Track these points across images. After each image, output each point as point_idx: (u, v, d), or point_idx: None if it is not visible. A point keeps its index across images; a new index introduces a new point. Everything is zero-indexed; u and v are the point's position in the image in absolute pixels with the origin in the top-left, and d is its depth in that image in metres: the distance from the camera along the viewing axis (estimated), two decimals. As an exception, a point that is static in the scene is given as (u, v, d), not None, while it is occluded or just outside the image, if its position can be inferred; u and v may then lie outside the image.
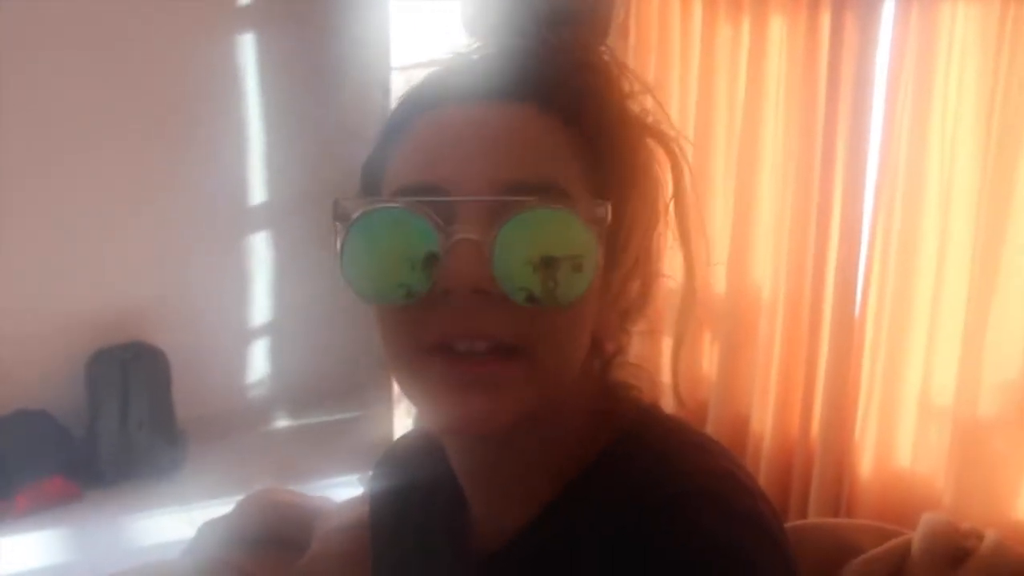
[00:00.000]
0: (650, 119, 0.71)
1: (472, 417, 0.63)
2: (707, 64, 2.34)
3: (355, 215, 0.63)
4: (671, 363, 0.73)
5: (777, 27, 2.17)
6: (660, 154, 0.71)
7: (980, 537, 0.99)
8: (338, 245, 0.63)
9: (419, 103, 0.68)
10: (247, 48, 3.42)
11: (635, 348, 0.76)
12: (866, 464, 2.03)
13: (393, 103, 0.71)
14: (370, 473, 0.90)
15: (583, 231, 0.61)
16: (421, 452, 0.82)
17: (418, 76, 0.71)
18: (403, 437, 0.90)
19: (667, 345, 0.73)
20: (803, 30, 2.07)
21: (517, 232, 0.60)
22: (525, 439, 0.68)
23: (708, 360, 2.46)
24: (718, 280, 2.36)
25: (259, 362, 3.66)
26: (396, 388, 3.04)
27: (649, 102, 0.71)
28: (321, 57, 3.40)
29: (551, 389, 0.65)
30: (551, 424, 0.69)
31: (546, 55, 0.67)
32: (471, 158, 0.63)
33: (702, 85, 2.36)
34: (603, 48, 0.70)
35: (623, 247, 0.68)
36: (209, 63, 3.37)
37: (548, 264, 0.60)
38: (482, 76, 0.67)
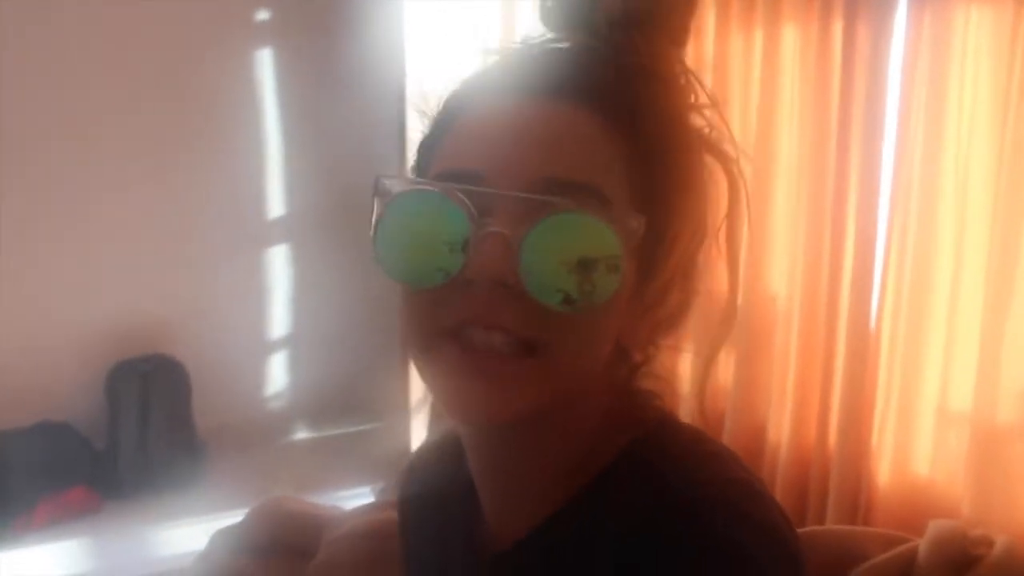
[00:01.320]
0: (711, 134, 0.71)
1: (477, 406, 0.64)
2: (720, 74, 2.34)
3: (393, 193, 0.64)
4: (699, 379, 0.73)
5: (790, 36, 2.17)
6: (716, 171, 0.71)
7: (990, 544, 0.98)
8: (373, 221, 0.65)
9: (476, 91, 0.69)
10: (265, 62, 3.46)
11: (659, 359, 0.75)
12: (884, 472, 2.01)
13: (456, 85, 0.71)
14: (399, 476, 0.91)
15: (613, 239, 0.61)
16: (445, 454, 0.83)
17: (468, 71, 0.71)
18: (428, 441, 0.90)
19: (688, 359, 0.73)
20: (815, 39, 2.06)
21: (547, 233, 0.61)
22: (539, 437, 0.69)
23: (724, 369, 2.45)
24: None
25: (278, 374, 3.67)
26: (414, 399, 3.05)
27: (714, 117, 0.71)
28: (338, 71, 3.43)
29: (562, 388, 0.65)
30: (566, 423, 0.69)
31: (611, 57, 0.67)
32: (513, 150, 0.64)
33: (716, 94, 2.35)
34: (674, 56, 0.70)
35: (663, 259, 0.68)
36: (228, 78, 3.41)
37: (585, 266, 0.61)
38: (540, 72, 0.67)
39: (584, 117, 0.65)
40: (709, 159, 0.71)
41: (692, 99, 0.70)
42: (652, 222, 0.64)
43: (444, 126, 0.69)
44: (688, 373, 0.77)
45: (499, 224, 0.61)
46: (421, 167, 0.71)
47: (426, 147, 0.71)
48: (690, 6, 0.71)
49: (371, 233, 0.64)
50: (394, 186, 0.65)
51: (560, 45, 0.69)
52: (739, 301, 0.71)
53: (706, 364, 0.73)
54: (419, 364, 0.67)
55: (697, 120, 0.70)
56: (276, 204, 3.57)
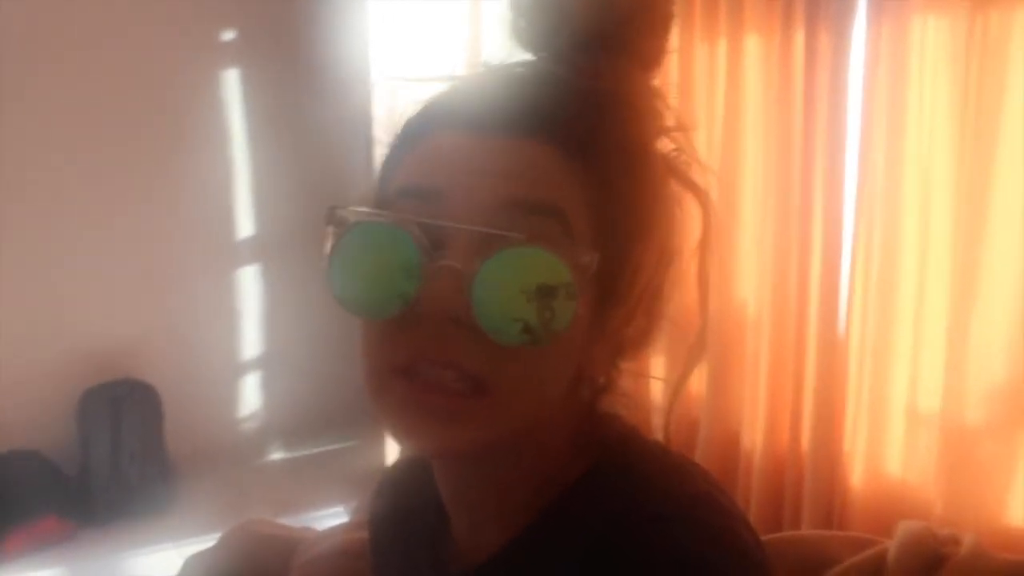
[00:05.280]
0: (678, 159, 0.70)
1: (426, 442, 0.64)
2: (685, 83, 2.36)
3: (346, 224, 0.63)
4: (668, 404, 0.73)
5: (753, 45, 2.19)
6: (683, 195, 0.70)
7: (958, 543, 0.99)
8: (327, 252, 0.64)
9: (437, 117, 0.67)
10: (232, 82, 3.45)
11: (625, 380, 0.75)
12: (857, 475, 2.03)
13: (420, 106, 0.70)
14: (371, 495, 0.90)
15: (567, 272, 0.61)
16: (416, 473, 0.82)
17: (433, 89, 0.70)
18: (401, 459, 0.90)
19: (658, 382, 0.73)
20: (778, 48, 2.09)
21: (499, 268, 0.60)
22: (503, 465, 0.69)
23: (697, 378, 2.46)
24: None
25: (251, 395, 3.65)
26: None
27: (682, 140, 0.70)
28: (305, 89, 3.43)
29: (513, 427, 0.65)
30: (529, 449, 0.69)
31: (573, 82, 0.66)
32: (476, 172, 0.63)
33: (681, 104, 2.37)
34: (641, 80, 0.69)
35: (626, 288, 0.67)
36: (196, 98, 3.40)
37: (542, 294, 0.60)
38: (501, 104, 0.66)
39: (544, 149, 0.64)
40: (676, 184, 0.70)
41: (659, 123, 0.68)
42: (614, 252, 0.64)
43: (407, 144, 0.68)
44: (658, 394, 0.77)
45: (452, 256, 0.60)
46: (382, 183, 0.70)
47: (388, 165, 0.70)
48: (663, 28, 0.69)
49: (325, 265, 0.63)
50: (347, 216, 0.64)
51: (522, 69, 0.68)
52: (708, 325, 0.71)
53: (675, 390, 0.73)
54: (371, 399, 0.66)
55: (663, 144, 0.69)
56: (246, 224, 3.56)
